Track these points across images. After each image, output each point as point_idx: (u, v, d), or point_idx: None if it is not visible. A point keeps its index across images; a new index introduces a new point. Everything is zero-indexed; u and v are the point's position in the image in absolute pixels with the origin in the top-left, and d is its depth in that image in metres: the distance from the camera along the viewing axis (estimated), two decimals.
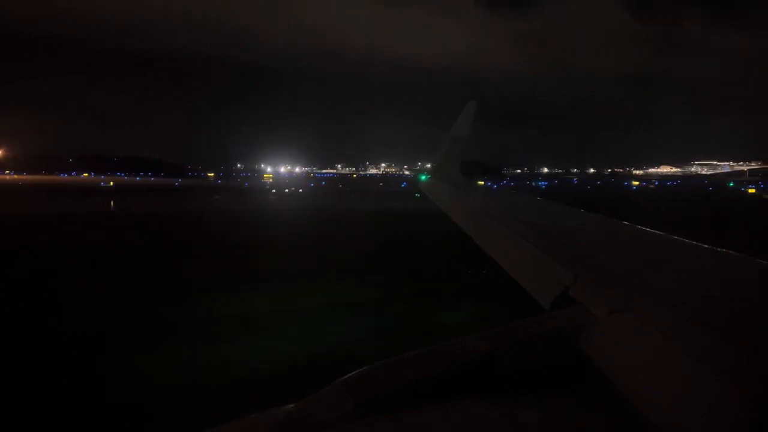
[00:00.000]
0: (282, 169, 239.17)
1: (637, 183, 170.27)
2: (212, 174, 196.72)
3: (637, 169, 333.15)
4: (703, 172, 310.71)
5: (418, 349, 1.82)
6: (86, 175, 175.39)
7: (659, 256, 3.06)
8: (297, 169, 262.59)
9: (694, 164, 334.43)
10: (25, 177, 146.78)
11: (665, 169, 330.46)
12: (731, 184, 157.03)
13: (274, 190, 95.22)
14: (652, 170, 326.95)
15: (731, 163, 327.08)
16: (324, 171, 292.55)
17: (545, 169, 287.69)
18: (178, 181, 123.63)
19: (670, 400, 1.41)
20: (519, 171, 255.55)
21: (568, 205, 6.03)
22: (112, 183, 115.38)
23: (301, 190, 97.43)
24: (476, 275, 14.62)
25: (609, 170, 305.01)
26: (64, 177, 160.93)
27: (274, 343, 12.40)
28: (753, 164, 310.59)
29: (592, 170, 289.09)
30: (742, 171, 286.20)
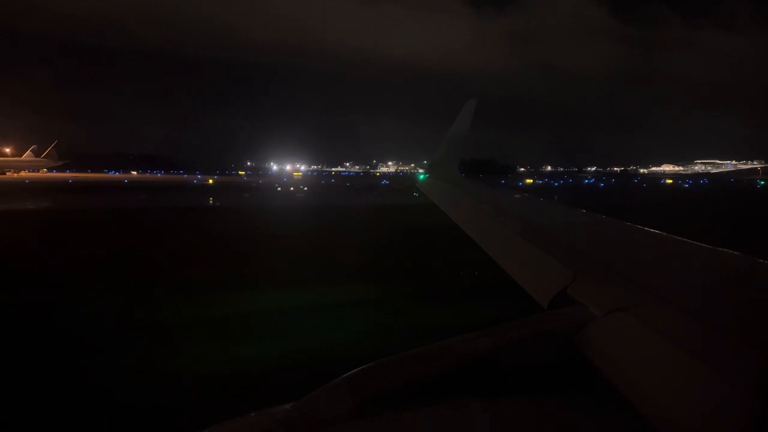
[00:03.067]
0: (288, 167, 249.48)
1: (670, 181, 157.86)
2: (243, 172, 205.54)
3: (642, 167, 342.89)
4: (708, 171, 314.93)
5: (418, 348, 1.82)
6: (135, 173, 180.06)
7: (659, 255, 3.04)
8: (302, 167, 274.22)
9: (697, 163, 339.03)
10: (104, 176, 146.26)
11: (668, 168, 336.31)
12: (762, 183, 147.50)
13: (350, 185, 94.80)
14: (655, 169, 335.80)
15: (734, 162, 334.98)
16: (343, 170, 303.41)
17: (548, 167, 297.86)
18: (258, 181, 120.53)
19: (670, 400, 1.41)
20: (523, 169, 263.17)
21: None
22: (211, 181, 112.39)
23: (358, 187, 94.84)
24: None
25: (619, 169, 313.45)
26: (115, 175, 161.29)
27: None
28: (755, 163, 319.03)
29: (593, 168, 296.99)
30: (754, 169, 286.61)
